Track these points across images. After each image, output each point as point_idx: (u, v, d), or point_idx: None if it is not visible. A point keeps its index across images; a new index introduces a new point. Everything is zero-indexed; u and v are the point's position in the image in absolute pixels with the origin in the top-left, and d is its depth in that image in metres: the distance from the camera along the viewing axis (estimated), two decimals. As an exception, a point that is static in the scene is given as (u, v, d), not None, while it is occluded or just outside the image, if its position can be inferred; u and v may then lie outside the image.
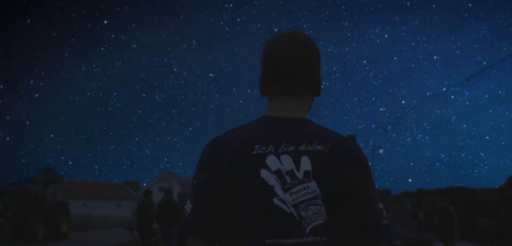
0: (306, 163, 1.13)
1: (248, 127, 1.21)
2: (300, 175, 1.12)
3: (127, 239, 17.13)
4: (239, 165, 1.12)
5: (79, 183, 48.78)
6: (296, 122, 1.21)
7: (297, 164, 1.13)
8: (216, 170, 1.14)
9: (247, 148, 1.14)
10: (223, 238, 1.14)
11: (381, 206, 1.18)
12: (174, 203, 10.30)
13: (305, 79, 1.25)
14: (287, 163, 1.13)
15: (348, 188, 1.12)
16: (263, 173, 1.11)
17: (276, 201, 1.10)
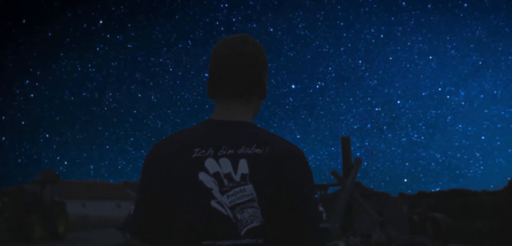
0: (243, 166, 1.14)
1: (190, 130, 1.24)
2: (237, 178, 1.13)
3: (124, 239, 17.16)
4: (178, 168, 1.16)
5: (78, 183, 48.85)
6: (238, 125, 1.22)
7: (235, 167, 1.14)
8: (157, 173, 1.18)
9: (188, 151, 1.17)
10: (163, 239, 1.18)
11: (320, 209, 1.18)
12: None
13: (248, 83, 1.25)
14: (226, 166, 1.14)
15: (285, 191, 1.13)
16: (202, 176, 1.14)
17: (213, 203, 1.12)
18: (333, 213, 14.71)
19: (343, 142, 15.51)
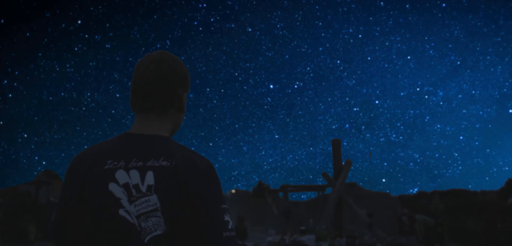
0: (150, 178, 1.21)
1: (107, 142, 1.31)
2: (144, 188, 1.21)
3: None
4: (91, 178, 1.24)
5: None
6: (150, 139, 1.29)
7: (143, 178, 1.22)
8: (73, 183, 1.27)
9: (101, 162, 1.25)
10: (75, 244, 1.26)
11: (226, 218, 1.23)
12: None
13: (161, 98, 1.33)
14: (135, 177, 1.22)
15: (189, 201, 1.19)
16: (111, 186, 1.22)
17: (121, 212, 1.19)
18: (322, 215, 14.69)
19: (334, 144, 15.45)
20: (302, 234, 11.29)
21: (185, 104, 1.40)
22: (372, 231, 13.45)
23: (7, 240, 16.13)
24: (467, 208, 18.92)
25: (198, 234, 1.18)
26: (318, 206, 20.19)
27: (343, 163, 15.38)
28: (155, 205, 1.19)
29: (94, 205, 1.21)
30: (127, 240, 1.17)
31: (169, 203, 1.19)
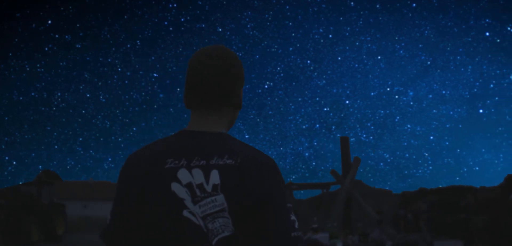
0: (215, 177, 1.15)
1: (164, 141, 1.26)
2: (209, 188, 1.15)
3: None
4: (151, 178, 1.18)
5: (79, 183, 48.90)
6: (211, 136, 1.24)
7: (207, 177, 1.16)
8: (131, 184, 1.20)
9: (161, 162, 1.19)
10: None
11: (293, 217, 1.19)
12: None
13: (220, 94, 1.27)
14: (198, 176, 1.16)
15: (256, 201, 1.13)
16: (174, 186, 1.16)
17: (185, 213, 1.14)
18: (332, 212, 14.55)
19: (342, 142, 15.30)
20: (315, 232, 11.15)
21: (241, 100, 1.36)
22: (382, 228, 13.35)
23: (9, 241, 15.91)
24: (469, 204, 18.95)
25: (266, 235, 1.14)
26: (322, 204, 20.07)
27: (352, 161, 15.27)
28: (222, 205, 1.13)
29: (156, 207, 1.16)
30: (192, 243, 1.12)
31: (236, 203, 1.14)
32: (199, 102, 1.28)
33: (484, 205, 17.44)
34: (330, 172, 15.49)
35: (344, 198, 14.36)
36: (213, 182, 1.15)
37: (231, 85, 1.29)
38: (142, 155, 1.24)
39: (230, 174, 1.15)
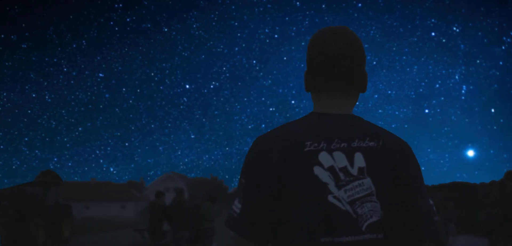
0: (359, 160, 1.14)
1: (297, 123, 1.22)
2: (354, 171, 1.13)
3: (131, 241, 16.45)
4: (291, 161, 1.13)
5: (81, 184, 48.29)
6: (345, 118, 1.22)
7: (351, 160, 1.14)
8: (266, 167, 1.14)
9: (299, 144, 1.14)
10: (276, 237, 1.13)
11: (431, 202, 0.74)
12: (185, 204, 10.11)
13: (350, 76, 1.24)
14: (340, 159, 1.14)
15: (401, 184, 1.14)
16: (317, 170, 1.12)
17: (330, 198, 1.10)
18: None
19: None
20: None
21: (367, 83, 1.29)
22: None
23: (15, 245, 15.27)
24: (476, 200, 19.25)
25: (412, 220, 1.14)
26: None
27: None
28: (369, 188, 1.12)
29: (297, 191, 1.11)
30: (341, 230, 1.08)
31: (383, 187, 1.13)
32: (330, 84, 1.24)
33: (493, 201, 17.53)
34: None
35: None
36: (358, 165, 1.13)
37: (357, 68, 1.26)
38: (274, 137, 1.18)
39: (375, 157, 1.14)
